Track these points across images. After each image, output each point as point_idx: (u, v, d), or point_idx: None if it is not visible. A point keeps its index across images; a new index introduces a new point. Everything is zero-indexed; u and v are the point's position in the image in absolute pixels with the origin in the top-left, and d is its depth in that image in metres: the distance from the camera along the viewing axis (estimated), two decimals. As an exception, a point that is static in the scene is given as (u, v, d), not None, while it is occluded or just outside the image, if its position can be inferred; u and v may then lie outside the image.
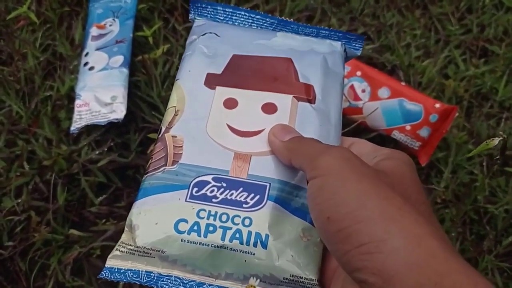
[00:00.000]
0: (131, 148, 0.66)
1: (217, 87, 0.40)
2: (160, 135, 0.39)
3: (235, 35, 0.43)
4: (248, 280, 0.34)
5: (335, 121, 0.40)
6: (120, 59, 0.66)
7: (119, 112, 0.63)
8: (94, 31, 0.70)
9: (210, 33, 0.44)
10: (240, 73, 0.41)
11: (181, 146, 0.37)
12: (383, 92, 0.67)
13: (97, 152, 0.64)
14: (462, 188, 0.68)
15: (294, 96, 0.40)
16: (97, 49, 0.68)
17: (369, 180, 0.28)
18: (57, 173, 0.63)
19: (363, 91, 0.68)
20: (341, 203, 0.28)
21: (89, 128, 0.66)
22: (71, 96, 0.68)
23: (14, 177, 0.63)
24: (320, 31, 0.44)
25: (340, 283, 0.32)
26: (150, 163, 0.37)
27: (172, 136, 0.38)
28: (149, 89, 0.68)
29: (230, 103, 0.39)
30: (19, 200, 0.62)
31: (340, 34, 0.44)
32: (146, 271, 0.34)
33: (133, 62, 0.70)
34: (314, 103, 0.40)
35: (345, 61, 0.45)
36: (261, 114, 0.39)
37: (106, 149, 0.65)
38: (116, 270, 0.34)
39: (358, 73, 0.68)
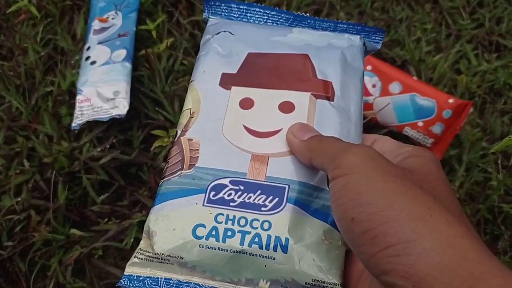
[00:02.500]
0: (134, 145, 0.64)
1: (233, 87, 0.39)
2: (176, 138, 0.38)
3: (250, 32, 0.42)
4: (270, 285, 0.33)
5: (356, 118, 0.38)
6: (122, 53, 0.64)
7: (121, 107, 0.61)
8: (96, 24, 0.68)
9: (225, 31, 0.42)
10: (256, 71, 0.40)
11: (197, 149, 0.36)
12: (394, 87, 0.65)
13: (99, 149, 0.62)
14: (476, 187, 0.65)
15: (312, 94, 0.38)
16: (99, 43, 0.66)
17: (396, 179, 0.27)
18: (58, 170, 0.61)
19: (374, 86, 0.65)
20: (366, 203, 0.26)
21: (91, 124, 0.64)
22: (72, 92, 0.67)
23: (13, 175, 0.61)
24: (338, 25, 0.42)
25: (367, 287, 0.31)
26: (167, 168, 0.37)
27: (188, 139, 0.37)
28: (152, 84, 0.66)
29: (246, 103, 0.38)
30: (19, 199, 0.60)
31: (358, 28, 0.42)
32: (165, 278, 0.33)
33: (136, 56, 0.68)
34: (333, 100, 0.38)
35: (365, 55, 0.43)
36: (278, 113, 0.37)
37: (108, 146, 0.63)
38: (135, 278, 0.34)
39: (369, 67, 0.66)
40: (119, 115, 0.61)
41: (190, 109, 0.38)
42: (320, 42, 0.41)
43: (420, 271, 0.24)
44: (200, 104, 0.38)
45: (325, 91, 0.38)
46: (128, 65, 0.64)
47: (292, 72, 0.39)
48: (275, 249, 0.32)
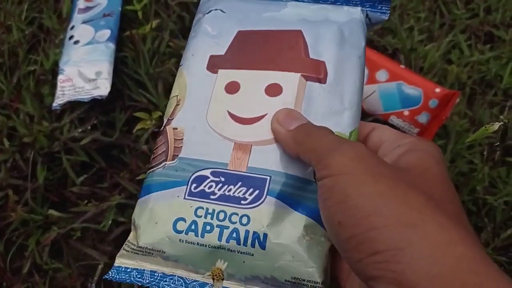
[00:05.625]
0: (117, 127, 0.64)
1: (220, 71, 0.36)
2: (162, 127, 0.36)
3: (242, 9, 0.39)
4: (251, 281, 0.32)
5: (351, 102, 0.35)
6: (106, 33, 0.63)
7: (103, 88, 0.60)
8: (81, 3, 0.67)
9: (216, 9, 0.39)
10: (244, 51, 0.37)
11: (182, 139, 0.35)
12: (381, 74, 0.64)
13: (80, 130, 0.62)
14: (461, 177, 0.65)
15: (302, 75, 0.35)
16: (83, 22, 0.65)
17: (387, 181, 0.26)
18: (37, 150, 0.60)
19: (361, 73, 0.64)
20: (353, 207, 0.25)
21: (73, 105, 0.63)
22: (55, 71, 0.66)
23: (-7, 154, 0.61)
24: None
25: (357, 287, 0.29)
26: (152, 158, 0.35)
27: (173, 129, 0.35)
28: (136, 66, 0.65)
29: (232, 87, 0.35)
30: (-3, 178, 0.59)
31: None
32: (150, 271, 0.33)
33: (121, 37, 0.67)
34: (325, 82, 0.35)
35: (370, 28, 0.39)
36: (264, 97, 0.35)
37: (89, 127, 0.62)
38: (123, 269, 0.33)
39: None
40: (100, 96, 0.60)
41: (177, 96, 0.37)
42: (316, 16, 0.38)
43: (411, 280, 0.22)
44: (186, 91, 0.36)
45: (316, 72, 0.35)
46: (111, 45, 0.63)
47: (283, 50, 0.36)
48: (253, 245, 0.31)
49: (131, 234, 0.34)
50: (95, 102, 0.62)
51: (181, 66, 0.38)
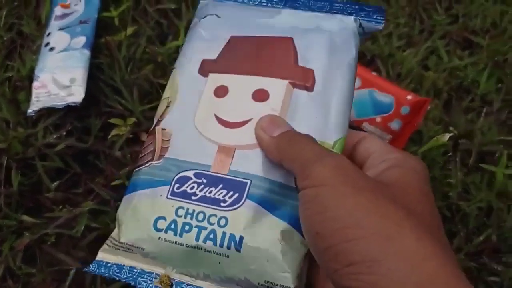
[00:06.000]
0: (92, 133, 0.64)
1: (210, 74, 0.37)
2: (152, 128, 0.37)
3: (236, 15, 0.39)
4: (226, 283, 0.32)
5: (338, 111, 0.35)
6: (82, 40, 0.64)
7: (77, 95, 0.60)
8: (58, 10, 0.68)
9: (211, 14, 0.40)
10: (236, 57, 0.37)
11: (169, 140, 0.36)
12: (354, 81, 0.64)
13: (55, 136, 0.62)
14: (434, 183, 0.65)
15: (289, 82, 0.35)
16: (60, 29, 0.66)
17: (367, 194, 0.26)
18: (12, 156, 0.61)
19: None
20: (331, 219, 0.26)
21: (49, 111, 0.63)
22: (32, 78, 0.66)
23: (-32, 160, 0.61)
24: (334, 5, 0.38)
25: None
26: (140, 157, 0.36)
27: (162, 129, 0.36)
28: (112, 73, 0.66)
29: (221, 91, 0.36)
30: (-29, 184, 0.60)
31: (356, 7, 0.38)
32: (130, 267, 0.34)
33: (98, 43, 0.67)
34: (312, 90, 0.35)
35: (364, 37, 0.39)
36: (250, 102, 0.35)
37: (64, 133, 0.63)
38: (103, 264, 0.34)
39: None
40: (74, 102, 0.60)
41: (168, 98, 0.37)
42: (308, 24, 0.38)
43: None
44: (177, 93, 0.37)
45: (304, 80, 0.35)
46: (86, 52, 0.63)
47: (273, 57, 0.37)
48: (229, 247, 0.31)
49: (115, 230, 0.35)
50: (70, 108, 0.63)
51: (174, 68, 0.39)
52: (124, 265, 0.34)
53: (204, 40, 0.39)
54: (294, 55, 0.36)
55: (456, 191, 0.63)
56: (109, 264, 0.34)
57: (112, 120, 0.62)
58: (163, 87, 0.63)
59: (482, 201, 0.63)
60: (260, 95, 0.35)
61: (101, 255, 0.35)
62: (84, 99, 0.61)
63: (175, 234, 0.32)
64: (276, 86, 0.35)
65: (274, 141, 0.32)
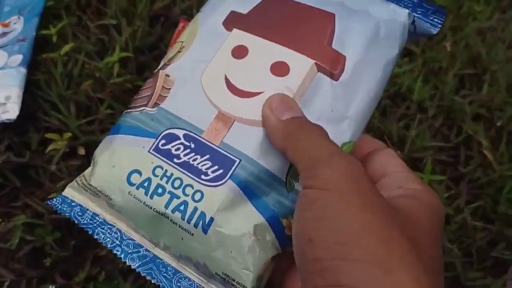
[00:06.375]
0: (32, 148, 0.66)
1: (234, 30, 0.33)
2: (156, 70, 0.34)
3: None
4: (184, 260, 0.30)
5: (357, 111, 0.31)
6: (19, 58, 0.66)
7: (12, 112, 0.62)
8: (-2, 29, 0.70)
9: None
10: (267, 17, 0.33)
11: (169, 89, 0.32)
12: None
13: (-8, 152, 0.64)
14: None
15: (315, 63, 0.31)
16: (-1, 48, 0.68)
17: (375, 212, 0.23)
18: (-51, 172, 0.63)
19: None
20: (330, 229, 0.23)
21: (-12, 128, 0.65)
22: (-27, 95, 0.68)
23: None
24: None
25: None
26: (134, 99, 0.33)
27: (165, 75, 0.33)
28: (49, 89, 0.67)
29: (239, 52, 0.32)
30: None
31: (415, 1, 0.34)
32: (93, 213, 0.31)
33: (36, 60, 0.69)
34: (337, 79, 0.31)
35: (412, 37, 0.35)
36: (267, 73, 0.31)
37: (3, 149, 0.65)
38: (68, 201, 0.32)
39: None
40: (9, 119, 0.62)
41: (182, 42, 0.34)
42: (357, 4, 0.34)
43: None
44: (193, 40, 0.34)
45: (332, 66, 0.31)
46: (23, 70, 0.65)
47: (306, 30, 0.32)
48: (196, 226, 0.29)
49: (88, 169, 0.33)
50: (8, 125, 0.65)
51: (199, 12, 0.36)
52: (88, 209, 0.31)
53: None
54: (330, 35, 0.32)
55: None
56: (73, 204, 0.32)
57: (49, 135, 0.64)
58: (102, 101, 0.65)
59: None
60: (280, 68, 0.31)
61: (68, 191, 0.32)
62: (20, 116, 0.63)
63: (146, 194, 0.30)
64: (300, 63, 0.31)
65: (281, 125, 0.28)
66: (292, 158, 0.28)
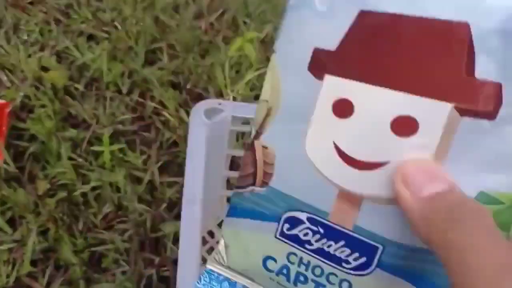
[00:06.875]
0: None
1: (326, 76, 0.25)
2: (250, 140, 0.29)
3: None
4: None
5: None
6: None
7: None
8: None
9: None
10: (365, 51, 0.24)
11: (273, 164, 0.28)
12: None
13: None
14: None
15: (455, 106, 0.22)
16: None
17: None
18: None
19: None
20: None
21: None
22: None
23: None
24: None
25: None
26: (239, 176, 0.29)
27: (262, 147, 0.28)
28: None
29: (342, 108, 0.25)
30: None
31: None
32: (243, 286, 0.30)
33: None
34: (494, 117, 0.22)
35: None
36: (388, 134, 0.24)
37: None
38: (215, 276, 0.31)
39: None
40: None
41: (267, 101, 0.28)
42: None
43: None
44: (279, 96, 0.27)
45: (484, 104, 0.22)
46: None
47: (428, 56, 0.22)
48: None
49: (221, 245, 0.31)
50: None
51: (274, 52, 0.28)
52: (236, 282, 0.30)
53: (317, 13, 0.26)
54: (468, 58, 0.22)
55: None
56: (220, 278, 0.31)
57: None
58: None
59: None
60: (404, 126, 0.23)
61: (212, 266, 0.31)
62: None
63: (288, 281, 0.28)
64: (432, 112, 0.23)
65: (421, 206, 0.21)
66: (441, 260, 0.20)
